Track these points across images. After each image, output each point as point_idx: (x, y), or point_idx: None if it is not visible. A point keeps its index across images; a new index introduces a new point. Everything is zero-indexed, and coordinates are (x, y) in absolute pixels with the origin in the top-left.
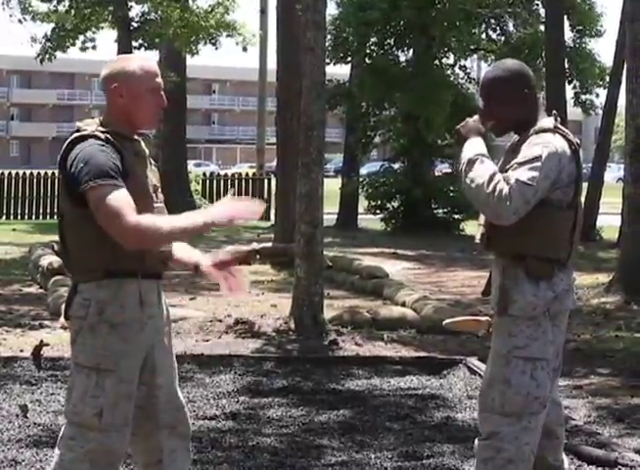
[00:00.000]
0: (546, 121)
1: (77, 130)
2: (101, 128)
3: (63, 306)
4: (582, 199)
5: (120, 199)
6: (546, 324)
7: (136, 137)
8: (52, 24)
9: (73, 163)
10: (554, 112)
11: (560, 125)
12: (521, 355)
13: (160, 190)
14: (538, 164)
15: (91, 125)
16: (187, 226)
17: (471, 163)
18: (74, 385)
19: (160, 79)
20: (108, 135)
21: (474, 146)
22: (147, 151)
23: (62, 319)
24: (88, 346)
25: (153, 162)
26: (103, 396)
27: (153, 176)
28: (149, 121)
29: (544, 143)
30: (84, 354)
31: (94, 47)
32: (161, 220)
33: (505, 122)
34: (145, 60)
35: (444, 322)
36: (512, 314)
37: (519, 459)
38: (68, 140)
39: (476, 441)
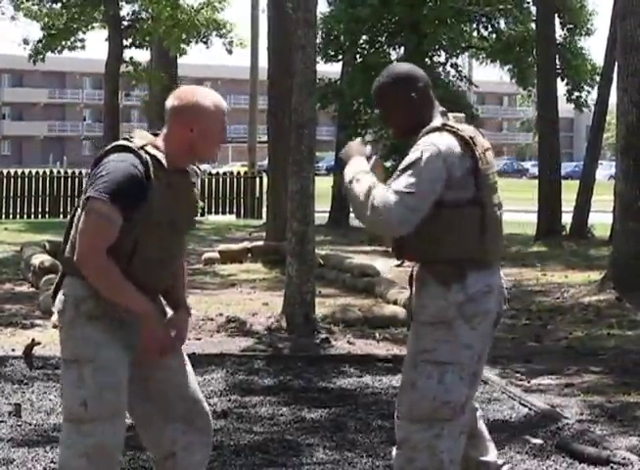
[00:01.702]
0: (435, 121)
1: (127, 139)
2: (149, 148)
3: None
4: (500, 193)
5: (106, 231)
6: (460, 327)
7: (185, 169)
8: (43, 23)
9: (101, 167)
10: (442, 109)
11: (450, 122)
12: (428, 359)
13: (187, 224)
14: (417, 168)
15: (141, 140)
16: (131, 302)
17: (349, 185)
18: (63, 382)
19: (226, 117)
20: (148, 157)
21: (351, 168)
22: (192, 184)
23: (54, 317)
24: (69, 340)
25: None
26: (84, 386)
27: (183, 210)
28: (210, 157)
29: (425, 145)
30: (67, 349)
31: (83, 47)
32: (116, 279)
33: (400, 127)
34: (217, 97)
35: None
36: (424, 321)
37: (434, 468)
38: (113, 144)
39: (393, 449)
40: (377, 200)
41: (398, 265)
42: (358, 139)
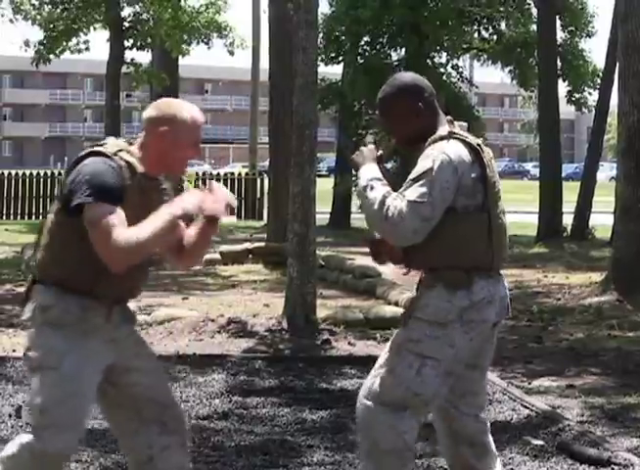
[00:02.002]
0: (441, 129)
1: (100, 146)
2: (122, 154)
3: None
4: (501, 201)
5: (113, 227)
6: (452, 328)
7: (157, 177)
8: (44, 25)
9: (78, 173)
10: (448, 117)
11: (456, 130)
12: (412, 349)
13: None
14: (429, 177)
15: (114, 147)
16: (161, 225)
17: (363, 192)
18: (31, 389)
19: (201, 131)
20: (122, 163)
21: (365, 174)
22: (165, 192)
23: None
24: (34, 347)
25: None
26: (46, 393)
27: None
28: (180, 169)
29: (435, 154)
30: (31, 356)
31: (87, 49)
32: (139, 232)
33: (405, 137)
34: (195, 110)
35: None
36: (421, 318)
37: (398, 449)
38: (86, 151)
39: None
40: (391, 209)
41: (405, 273)
42: (370, 144)
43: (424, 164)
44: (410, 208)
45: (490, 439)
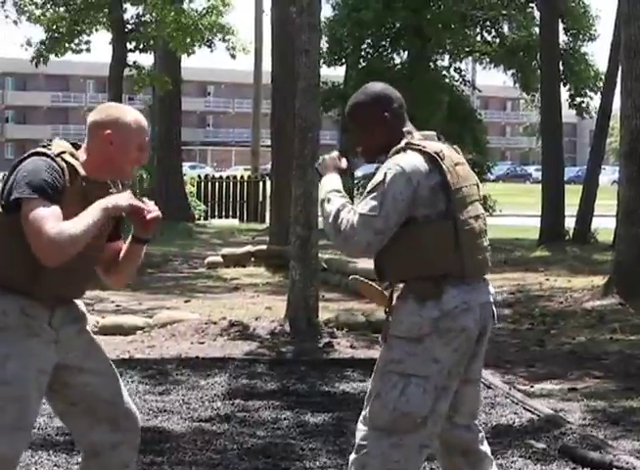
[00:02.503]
0: (403, 141)
1: (44, 146)
2: (66, 156)
3: None
4: (478, 206)
5: (43, 216)
6: (431, 342)
7: (104, 182)
8: (46, 26)
9: (19, 170)
10: (405, 129)
11: (414, 140)
12: (395, 370)
13: (100, 237)
14: (381, 190)
15: (58, 148)
16: (93, 219)
17: (321, 204)
18: None
19: (146, 137)
20: (64, 164)
21: (324, 185)
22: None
23: None
24: None
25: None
26: None
27: None
28: (126, 173)
29: (389, 167)
30: None
31: (88, 50)
32: (72, 225)
33: (371, 147)
34: (139, 115)
35: (351, 277)
36: (398, 335)
37: None
38: (30, 151)
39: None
40: (344, 223)
41: (386, 288)
42: (334, 152)
43: (377, 177)
44: (362, 221)
45: (485, 445)
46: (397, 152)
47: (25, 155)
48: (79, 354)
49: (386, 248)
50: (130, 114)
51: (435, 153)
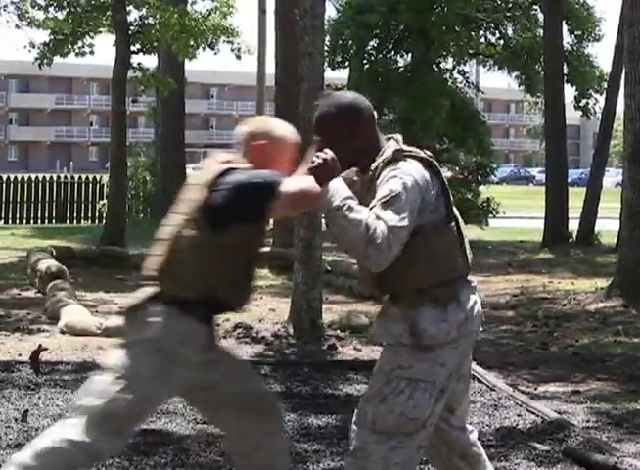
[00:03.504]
0: (388, 149)
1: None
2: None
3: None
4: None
5: None
6: (442, 348)
7: None
8: (49, 30)
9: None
10: (390, 135)
11: (404, 147)
12: (403, 376)
13: None
14: (402, 200)
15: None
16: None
17: (338, 211)
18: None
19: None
20: None
21: (338, 191)
22: None
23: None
24: (127, 359)
25: None
26: (117, 403)
27: None
28: None
29: (400, 175)
30: (116, 365)
31: (92, 52)
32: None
33: (344, 159)
34: (290, 129)
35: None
36: (427, 344)
37: None
38: (225, 168)
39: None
40: (377, 235)
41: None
42: (329, 152)
43: (391, 186)
44: (395, 234)
45: (479, 446)
46: (394, 159)
47: (222, 172)
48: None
49: (398, 259)
50: (281, 128)
51: (429, 156)
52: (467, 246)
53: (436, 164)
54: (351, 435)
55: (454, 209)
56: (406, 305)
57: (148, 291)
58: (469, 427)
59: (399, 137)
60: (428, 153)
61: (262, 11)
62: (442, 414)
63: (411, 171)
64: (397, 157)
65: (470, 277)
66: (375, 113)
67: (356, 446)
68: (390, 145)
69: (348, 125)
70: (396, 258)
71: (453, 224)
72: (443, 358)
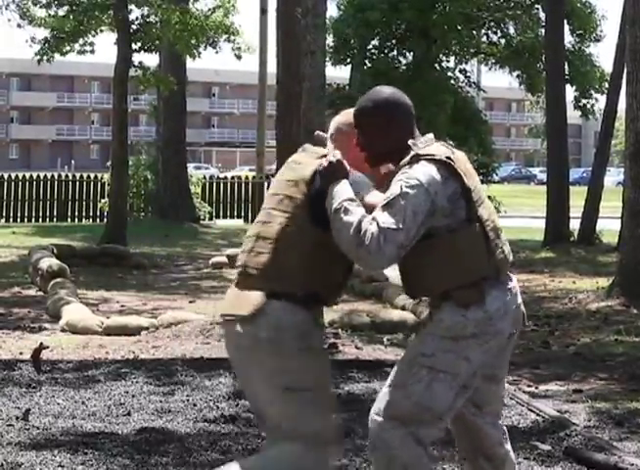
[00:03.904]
0: (411, 153)
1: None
2: None
3: None
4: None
5: None
6: (466, 342)
7: None
8: (52, 26)
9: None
10: (411, 141)
11: (422, 151)
12: (425, 364)
13: None
14: (401, 203)
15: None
16: None
17: (335, 213)
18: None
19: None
20: None
21: (338, 193)
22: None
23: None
24: (289, 371)
25: None
26: (299, 410)
27: None
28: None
29: (405, 179)
30: (285, 380)
31: (92, 51)
32: None
33: (375, 154)
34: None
35: None
36: (434, 333)
37: (416, 462)
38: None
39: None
40: (368, 235)
41: (417, 303)
42: (337, 153)
43: (393, 189)
44: (385, 235)
45: (509, 447)
46: (409, 163)
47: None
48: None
49: (419, 263)
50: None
51: (448, 158)
52: (500, 246)
53: (456, 165)
54: (369, 422)
55: (481, 208)
56: (433, 303)
57: (253, 292)
58: (500, 425)
59: (428, 136)
60: (447, 154)
61: (263, 11)
62: (474, 410)
63: (418, 175)
64: (411, 161)
65: (509, 278)
66: (413, 109)
67: (374, 438)
68: (413, 148)
69: (383, 121)
70: (419, 262)
71: (477, 225)
72: (468, 353)
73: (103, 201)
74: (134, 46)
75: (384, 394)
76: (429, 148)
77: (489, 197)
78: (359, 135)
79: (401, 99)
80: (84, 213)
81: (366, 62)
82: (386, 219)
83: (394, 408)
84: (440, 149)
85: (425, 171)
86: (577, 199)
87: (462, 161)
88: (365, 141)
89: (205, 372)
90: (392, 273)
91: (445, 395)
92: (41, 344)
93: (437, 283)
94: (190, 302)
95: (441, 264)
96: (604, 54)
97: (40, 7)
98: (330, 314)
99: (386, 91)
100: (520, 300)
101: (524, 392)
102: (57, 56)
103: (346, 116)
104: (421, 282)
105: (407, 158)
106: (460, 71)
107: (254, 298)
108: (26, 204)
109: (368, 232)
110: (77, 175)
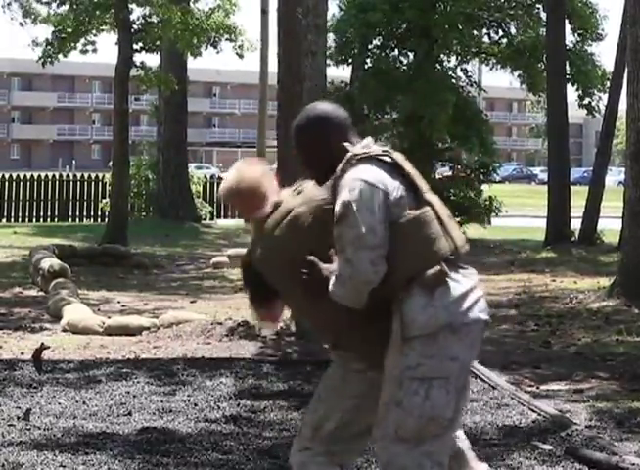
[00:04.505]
0: (345, 158)
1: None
2: None
3: None
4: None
5: None
6: (445, 339)
7: None
8: (53, 28)
9: None
10: (346, 143)
11: (358, 151)
12: (414, 376)
13: None
14: (352, 210)
15: None
16: None
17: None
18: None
19: None
20: None
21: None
22: None
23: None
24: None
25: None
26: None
27: None
28: None
29: (350, 186)
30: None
31: (94, 50)
32: None
33: (319, 169)
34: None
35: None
36: (412, 336)
37: None
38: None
39: None
40: (340, 269)
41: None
42: (311, 257)
43: (342, 197)
44: (352, 247)
45: (466, 440)
46: (348, 165)
47: None
48: None
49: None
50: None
51: (384, 151)
52: (452, 226)
53: (394, 156)
54: (377, 452)
55: (429, 195)
56: (399, 297)
57: None
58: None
59: (365, 141)
60: (382, 149)
61: (264, 11)
62: None
63: (361, 175)
64: (349, 164)
65: (468, 267)
66: (348, 120)
67: (385, 461)
68: (350, 150)
69: (318, 134)
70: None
71: (427, 209)
72: (452, 352)
73: (104, 201)
74: (135, 46)
75: (382, 418)
76: (367, 148)
77: (491, 197)
78: (301, 155)
79: (334, 112)
80: (85, 213)
81: (367, 61)
82: (346, 234)
83: (400, 429)
84: (377, 147)
85: (366, 169)
86: (578, 199)
87: (400, 157)
88: (307, 158)
89: (207, 372)
90: None
91: (445, 400)
92: (42, 344)
93: (402, 270)
94: (191, 302)
95: (403, 252)
96: (605, 53)
97: (42, 5)
98: None
99: (318, 106)
100: (481, 292)
101: (525, 391)
102: (59, 56)
103: (230, 183)
104: (387, 277)
105: (344, 160)
106: (461, 71)
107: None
108: (28, 204)
109: (339, 268)
110: (78, 175)
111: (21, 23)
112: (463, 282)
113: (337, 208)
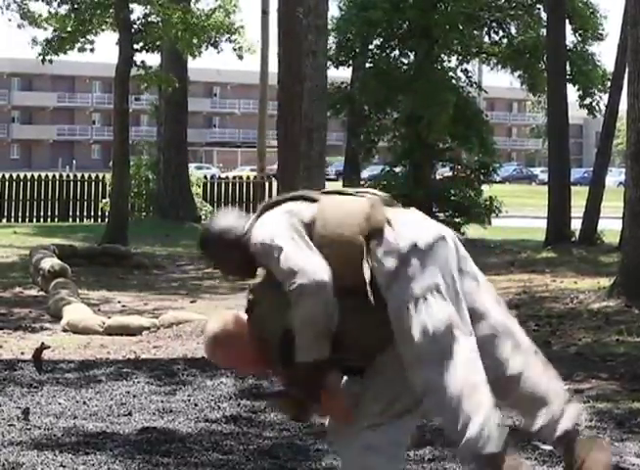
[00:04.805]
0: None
1: None
2: None
3: None
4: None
5: None
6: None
7: None
8: (52, 29)
9: None
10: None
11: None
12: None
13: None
14: (275, 244)
15: None
16: None
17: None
18: None
19: None
20: None
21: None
22: None
23: None
24: None
25: None
26: None
27: None
28: None
29: (259, 222)
30: None
31: (92, 50)
32: None
33: (236, 271)
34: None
35: None
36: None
37: None
38: None
39: None
40: (294, 289)
41: None
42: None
43: (257, 236)
44: (287, 264)
45: None
46: (246, 240)
47: None
48: None
49: None
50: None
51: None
52: None
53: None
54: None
55: None
56: None
57: None
58: None
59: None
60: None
61: (264, 12)
62: None
63: (264, 226)
64: (245, 240)
65: None
66: (235, 229)
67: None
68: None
69: (218, 248)
70: None
71: None
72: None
73: (104, 201)
74: (136, 46)
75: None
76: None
77: (491, 197)
78: (218, 268)
79: (229, 218)
80: (85, 213)
81: (368, 61)
82: (282, 264)
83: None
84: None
85: (265, 221)
86: (579, 199)
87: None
88: (223, 268)
89: (207, 372)
90: None
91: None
92: (42, 344)
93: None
94: (191, 302)
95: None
96: (606, 53)
97: (42, 1)
98: None
99: (206, 229)
100: None
101: None
102: (59, 54)
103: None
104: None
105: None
106: (462, 71)
107: None
108: (28, 204)
109: (296, 290)
110: (78, 175)
111: (19, 25)
112: None
113: (258, 248)
